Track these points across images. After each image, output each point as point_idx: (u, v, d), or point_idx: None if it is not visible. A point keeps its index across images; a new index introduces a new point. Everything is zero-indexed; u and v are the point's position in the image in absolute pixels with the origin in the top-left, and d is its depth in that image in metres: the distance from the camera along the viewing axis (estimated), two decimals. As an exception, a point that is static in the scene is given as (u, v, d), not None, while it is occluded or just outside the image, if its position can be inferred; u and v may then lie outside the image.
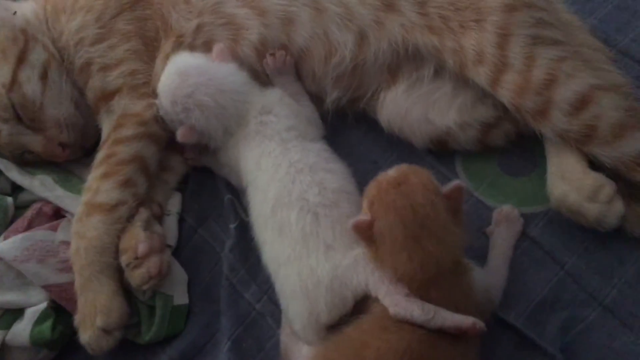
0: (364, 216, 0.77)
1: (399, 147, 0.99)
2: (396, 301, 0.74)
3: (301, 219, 0.80)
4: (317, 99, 1.00)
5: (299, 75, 0.99)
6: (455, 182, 0.77)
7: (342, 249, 0.79)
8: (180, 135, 0.92)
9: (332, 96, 0.98)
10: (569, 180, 0.86)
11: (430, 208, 0.75)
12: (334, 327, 0.79)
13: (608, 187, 0.83)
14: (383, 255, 0.76)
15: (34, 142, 0.98)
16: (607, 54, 0.96)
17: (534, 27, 0.87)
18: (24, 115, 0.96)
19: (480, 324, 0.73)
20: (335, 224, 0.81)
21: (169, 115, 0.93)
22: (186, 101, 0.90)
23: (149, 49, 0.99)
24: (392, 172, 0.79)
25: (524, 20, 0.87)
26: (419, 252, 0.73)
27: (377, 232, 0.76)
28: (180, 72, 0.92)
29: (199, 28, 0.97)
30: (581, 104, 0.84)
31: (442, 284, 0.75)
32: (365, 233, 0.76)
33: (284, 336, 0.87)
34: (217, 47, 0.95)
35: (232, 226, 0.98)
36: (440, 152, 0.98)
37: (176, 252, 0.99)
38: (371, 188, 0.79)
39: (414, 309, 0.73)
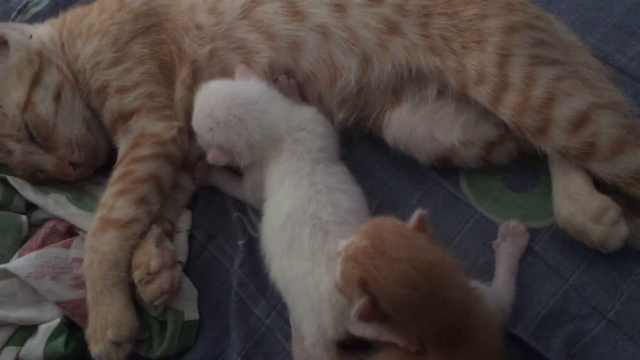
0: (362, 299, 0.71)
1: (404, 164, 1.04)
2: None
3: (313, 236, 0.85)
4: (324, 120, 1.05)
5: (305, 98, 1.04)
6: (416, 212, 0.76)
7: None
8: (212, 157, 0.96)
9: (338, 117, 1.03)
10: (575, 201, 0.91)
11: (418, 254, 0.71)
12: (350, 350, 0.84)
13: (613, 210, 0.88)
14: (403, 327, 0.73)
15: (46, 161, 1.03)
16: (606, 72, 1.02)
17: (534, 47, 0.93)
18: (37, 135, 1.01)
19: (412, 349, 0.73)
20: (341, 239, 0.84)
21: (205, 139, 0.96)
22: (220, 124, 0.93)
23: (165, 73, 1.05)
24: (363, 242, 0.73)
25: (524, 41, 0.93)
26: (437, 305, 0.70)
27: (385, 308, 0.71)
28: (211, 97, 0.96)
29: (212, 53, 1.03)
30: (580, 121, 0.89)
31: (460, 325, 0.72)
32: (373, 315, 0.72)
33: (299, 351, 0.90)
34: (239, 70, 1.01)
35: (240, 242, 1.03)
36: (444, 169, 1.02)
37: (186, 269, 1.04)
38: (351, 268, 0.73)
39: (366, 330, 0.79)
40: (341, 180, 0.93)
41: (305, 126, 0.96)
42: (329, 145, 0.97)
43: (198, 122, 0.96)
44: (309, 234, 0.85)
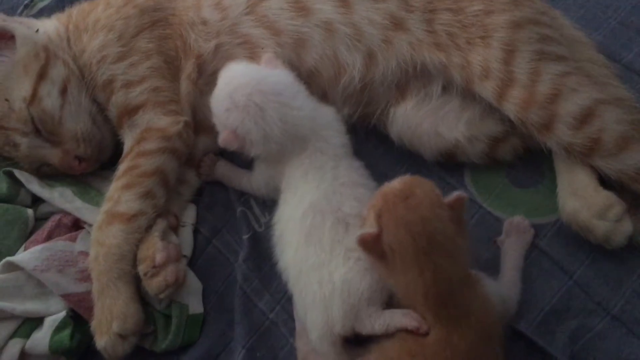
0: (371, 228, 0.80)
1: (408, 160, 1.06)
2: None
3: (334, 228, 0.86)
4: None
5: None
6: (457, 193, 0.81)
7: (360, 252, 0.83)
8: (223, 140, 0.94)
9: (343, 113, 1.04)
10: (580, 197, 0.92)
11: (438, 221, 0.78)
12: (353, 344, 0.85)
13: (618, 207, 0.90)
14: (393, 271, 0.79)
15: (52, 155, 1.04)
16: (612, 69, 1.03)
17: (539, 43, 0.94)
18: (43, 129, 1.02)
19: (423, 327, 0.77)
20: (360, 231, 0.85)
21: (220, 119, 0.94)
22: (239, 107, 0.91)
23: (171, 68, 1.06)
24: (397, 184, 0.82)
25: (529, 37, 0.94)
26: (430, 266, 0.76)
27: (386, 246, 0.78)
28: (235, 77, 0.94)
29: (217, 48, 1.05)
30: (585, 117, 0.90)
31: (458, 300, 0.78)
32: (373, 247, 0.79)
33: (302, 345, 0.91)
34: (266, 57, 0.99)
35: (245, 237, 1.04)
36: (449, 165, 1.04)
37: (191, 263, 1.05)
38: (377, 200, 0.82)
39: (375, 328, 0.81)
40: (362, 175, 0.95)
41: (330, 125, 0.96)
42: (348, 142, 0.97)
43: (216, 99, 0.95)
44: (330, 225, 0.86)
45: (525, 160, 1.02)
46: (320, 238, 0.86)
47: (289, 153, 0.93)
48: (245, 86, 0.92)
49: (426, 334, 0.77)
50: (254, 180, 1.02)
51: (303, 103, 0.95)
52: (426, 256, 0.76)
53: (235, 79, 0.94)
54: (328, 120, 0.97)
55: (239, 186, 1.07)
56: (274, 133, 0.91)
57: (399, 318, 0.80)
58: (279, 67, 0.97)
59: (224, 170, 1.09)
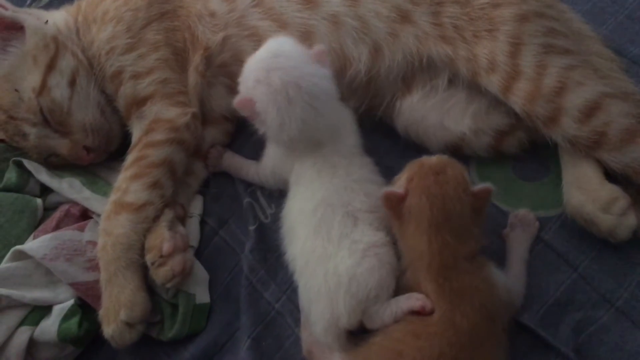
0: (399, 189, 0.86)
1: (414, 153, 1.05)
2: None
3: (343, 222, 0.87)
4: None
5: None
6: (485, 185, 0.85)
7: (364, 239, 0.86)
8: (239, 102, 0.91)
9: (349, 106, 1.04)
10: (585, 191, 0.93)
11: (458, 203, 0.84)
12: (357, 335, 0.86)
13: (623, 200, 0.90)
14: (405, 233, 0.86)
15: (60, 145, 1.06)
16: (619, 62, 1.04)
17: (545, 36, 0.95)
18: (52, 119, 1.04)
19: (428, 305, 0.81)
20: (367, 225, 0.88)
21: (246, 82, 0.92)
22: (269, 87, 0.88)
23: (179, 59, 1.07)
24: (434, 159, 0.89)
25: (536, 30, 0.95)
26: (439, 239, 0.82)
27: (406, 208, 0.85)
28: (281, 55, 0.91)
29: (225, 40, 1.06)
30: (591, 110, 0.91)
31: (462, 277, 0.81)
32: (394, 205, 0.86)
33: (307, 336, 0.92)
34: (318, 48, 0.95)
35: (251, 228, 1.06)
36: (455, 157, 1.03)
37: (197, 253, 1.07)
38: (413, 166, 0.88)
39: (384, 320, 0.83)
40: (372, 172, 0.96)
41: (347, 126, 0.98)
42: (360, 140, 0.98)
43: (253, 64, 0.92)
44: (340, 219, 0.87)
45: (531, 153, 1.03)
46: (329, 230, 0.87)
47: (300, 150, 0.94)
48: (287, 71, 0.89)
49: (431, 312, 0.80)
50: (262, 170, 1.03)
51: (331, 111, 0.93)
52: (437, 230, 0.83)
53: (282, 58, 0.90)
54: (346, 123, 0.98)
55: (246, 177, 1.08)
56: (291, 128, 0.90)
57: (404, 302, 0.83)
58: (326, 65, 0.94)
59: (231, 161, 1.10)
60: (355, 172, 0.92)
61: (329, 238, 0.87)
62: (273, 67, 0.89)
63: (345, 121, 0.98)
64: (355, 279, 0.83)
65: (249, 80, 0.91)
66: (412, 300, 0.82)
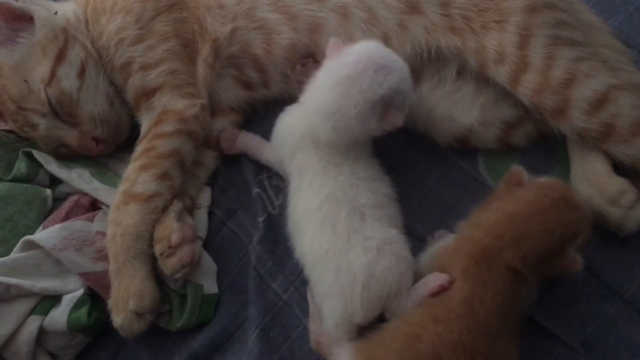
0: (526, 177, 0.86)
1: (421, 145, 1.07)
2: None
3: (350, 217, 0.88)
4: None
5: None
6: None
7: (377, 235, 0.86)
8: (331, 45, 0.94)
9: None
10: (593, 183, 0.94)
11: (549, 240, 0.81)
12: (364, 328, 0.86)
13: (631, 193, 0.91)
14: (484, 211, 0.86)
15: (69, 136, 1.07)
16: (628, 54, 1.04)
17: (555, 27, 0.95)
18: (61, 110, 1.05)
19: (446, 280, 0.82)
20: (376, 221, 0.88)
21: (337, 63, 0.92)
22: (357, 84, 0.88)
23: (188, 51, 1.08)
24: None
25: (545, 21, 0.95)
26: (510, 235, 0.80)
27: (512, 196, 0.84)
28: (389, 72, 0.90)
29: (233, 32, 1.06)
30: (599, 102, 0.92)
31: (492, 271, 0.81)
32: (512, 183, 0.86)
33: (315, 327, 0.93)
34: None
35: (260, 219, 1.06)
36: (462, 150, 1.05)
37: (206, 244, 1.08)
38: (517, 174, 0.87)
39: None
40: (378, 171, 0.96)
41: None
42: (367, 141, 0.98)
43: (356, 54, 0.91)
44: (346, 214, 0.88)
45: (539, 146, 1.04)
46: (333, 225, 0.87)
47: (308, 149, 0.94)
48: (379, 84, 0.88)
49: (449, 286, 0.82)
50: (270, 152, 1.04)
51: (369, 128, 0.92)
52: (514, 242, 0.80)
53: (388, 72, 0.89)
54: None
55: (260, 158, 1.07)
56: (319, 131, 0.91)
57: (423, 289, 0.84)
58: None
59: (247, 140, 1.09)
60: (361, 170, 0.93)
61: (336, 233, 0.87)
62: (372, 71, 0.88)
63: None
64: (374, 277, 0.84)
65: (340, 65, 0.91)
66: (429, 285, 0.83)
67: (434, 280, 0.83)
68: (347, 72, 0.90)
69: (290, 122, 0.98)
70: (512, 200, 0.85)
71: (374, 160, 0.98)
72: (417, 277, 0.87)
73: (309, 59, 1.05)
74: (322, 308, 0.89)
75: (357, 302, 0.84)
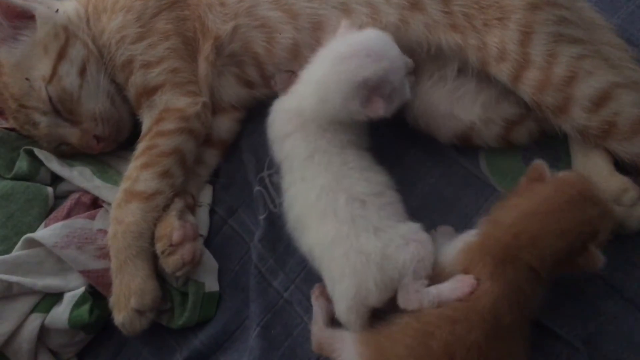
0: (553, 170, 0.85)
1: (423, 143, 1.07)
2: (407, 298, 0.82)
3: (349, 204, 0.88)
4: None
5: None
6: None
7: (389, 230, 0.86)
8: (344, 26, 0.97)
9: None
10: (595, 182, 0.92)
11: (578, 241, 0.80)
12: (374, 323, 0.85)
13: (632, 192, 0.91)
14: (512, 205, 0.84)
15: (71, 134, 1.08)
16: (630, 52, 1.03)
17: (556, 25, 0.95)
18: (62, 108, 1.05)
19: (474, 284, 0.79)
20: (380, 210, 0.88)
21: (355, 41, 0.94)
22: (355, 73, 0.90)
23: (189, 49, 1.08)
24: (568, 175, 0.87)
25: (547, 19, 0.95)
26: (538, 242, 0.79)
27: (539, 190, 0.83)
28: (387, 61, 0.91)
29: (235, 30, 1.06)
30: (601, 100, 0.91)
31: (518, 273, 0.80)
32: (536, 178, 0.85)
33: (317, 330, 0.93)
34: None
35: (261, 217, 1.06)
36: (464, 147, 1.05)
37: (207, 242, 1.08)
38: (538, 168, 0.86)
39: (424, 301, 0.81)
40: (370, 161, 0.96)
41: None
42: (359, 133, 0.98)
43: (374, 40, 0.93)
44: (345, 201, 0.88)
45: (541, 143, 1.03)
46: (335, 212, 0.87)
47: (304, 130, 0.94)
48: (364, 67, 0.90)
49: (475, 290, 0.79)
50: None
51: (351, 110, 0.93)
52: (531, 242, 0.79)
53: (378, 59, 0.91)
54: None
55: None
56: (319, 90, 0.92)
57: (448, 293, 0.81)
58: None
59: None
60: (352, 161, 0.93)
61: (339, 219, 0.87)
62: (383, 64, 0.90)
63: None
64: (387, 257, 0.83)
65: (358, 47, 0.92)
66: (458, 289, 0.81)
67: (462, 286, 0.81)
68: (341, 50, 0.94)
69: (284, 99, 1.00)
70: (529, 197, 0.83)
71: (365, 153, 0.97)
72: (438, 270, 0.85)
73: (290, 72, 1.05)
74: (333, 294, 0.88)
75: (371, 283, 0.83)
